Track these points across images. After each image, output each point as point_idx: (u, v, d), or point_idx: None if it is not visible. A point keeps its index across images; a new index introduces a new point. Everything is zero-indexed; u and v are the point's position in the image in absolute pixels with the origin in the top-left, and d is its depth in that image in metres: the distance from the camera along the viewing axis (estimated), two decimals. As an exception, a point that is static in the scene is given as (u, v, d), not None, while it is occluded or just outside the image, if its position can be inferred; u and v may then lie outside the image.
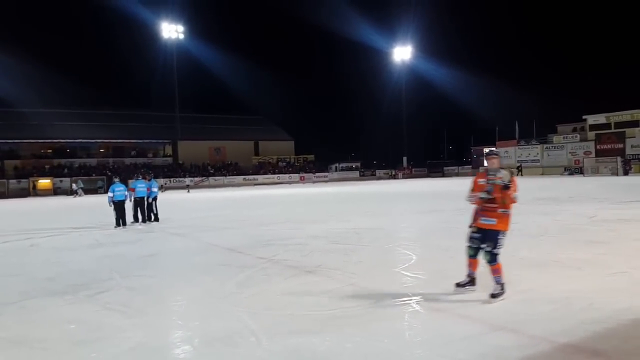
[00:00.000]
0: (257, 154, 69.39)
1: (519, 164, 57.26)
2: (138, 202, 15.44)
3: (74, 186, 46.59)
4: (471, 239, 5.58)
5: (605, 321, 4.46)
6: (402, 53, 68.92)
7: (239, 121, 72.38)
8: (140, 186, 15.36)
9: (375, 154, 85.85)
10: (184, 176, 57.22)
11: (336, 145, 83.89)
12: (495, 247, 5.31)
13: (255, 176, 61.37)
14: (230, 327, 4.71)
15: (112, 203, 14.56)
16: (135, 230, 13.92)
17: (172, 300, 6.05)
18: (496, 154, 5.60)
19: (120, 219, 14.56)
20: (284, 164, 68.02)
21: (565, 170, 54.33)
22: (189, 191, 45.57)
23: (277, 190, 40.94)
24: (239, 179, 59.74)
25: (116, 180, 15.40)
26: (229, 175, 60.29)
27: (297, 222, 14.33)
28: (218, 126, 68.98)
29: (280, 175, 63.02)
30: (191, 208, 22.97)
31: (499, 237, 5.32)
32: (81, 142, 59.64)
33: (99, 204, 25.80)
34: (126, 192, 14.95)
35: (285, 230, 12.27)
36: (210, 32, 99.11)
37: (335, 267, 7.38)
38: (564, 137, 57.93)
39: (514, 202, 5.32)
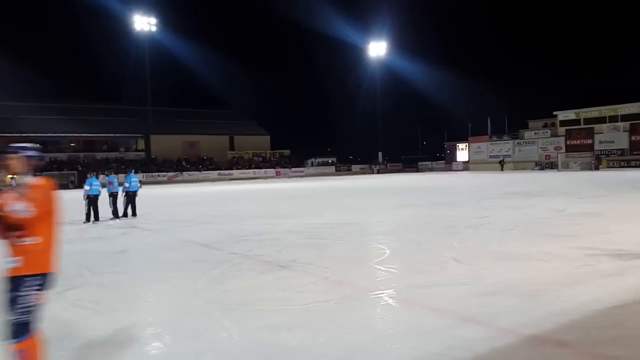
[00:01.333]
0: (232, 148, 68.84)
1: (501, 159, 58.18)
2: (130, 196, 15.64)
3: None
4: None
5: (570, 313, 4.58)
6: (377, 49, 69.18)
7: (213, 115, 71.63)
8: (134, 180, 15.94)
9: (351, 149, 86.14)
10: (158, 171, 56.45)
11: (312, 140, 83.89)
12: (18, 308, 3.07)
13: (231, 171, 60.83)
14: (201, 323, 4.68)
15: (86, 197, 14.32)
16: (107, 226, 13.71)
17: (142, 296, 5.98)
18: (15, 151, 3.32)
19: (92, 214, 14.32)
20: (260, 159, 67.69)
21: (536, 165, 55.50)
22: (140, 186, 43.72)
23: (252, 185, 40.75)
24: (214, 174, 59.17)
25: (93, 175, 15.23)
26: (204, 170, 59.71)
27: (272, 217, 14.30)
28: (192, 120, 68.12)
29: (256, 170, 62.63)
30: (165, 204, 22.70)
31: (23, 288, 3.09)
32: (51, 136, 58.17)
33: (70, 199, 25.30)
34: (101, 188, 14.80)
35: (260, 226, 12.23)
36: (184, 25, 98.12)
37: (309, 261, 7.40)
38: (535, 133, 59.08)
39: (16, 219, 3.05)
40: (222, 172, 60.07)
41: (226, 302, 5.34)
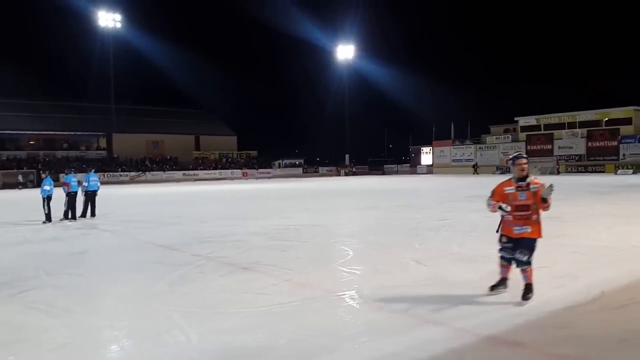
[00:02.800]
0: (198, 148, 67.89)
1: (475, 163, 59.11)
2: (90, 196, 15.11)
3: None
4: None
5: (526, 313, 4.72)
6: (345, 52, 69.56)
7: (179, 114, 70.48)
8: (93, 179, 15.38)
9: (319, 151, 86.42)
10: (121, 170, 55.22)
11: (280, 141, 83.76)
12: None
13: (196, 171, 60.02)
14: (160, 326, 4.60)
15: (47, 197, 13.87)
16: (65, 226, 13.32)
17: (100, 299, 5.84)
18: None
19: (51, 214, 13.90)
20: (227, 159, 67.01)
21: (497, 169, 56.80)
22: (22, 187, 41.91)
23: (218, 186, 40.34)
24: (179, 174, 58.23)
25: (49, 174, 14.84)
26: (168, 170, 58.71)
27: (237, 218, 14.19)
28: (157, 119, 66.81)
29: (222, 171, 61.92)
30: (126, 204, 22.23)
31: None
32: (10, 133, 56.27)
33: (28, 199, 24.52)
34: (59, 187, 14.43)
35: (224, 227, 12.12)
36: (150, 22, 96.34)
37: (272, 263, 7.38)
38: (496, 138, 60.59)
39: None
40: (186, 172, 59.21)
41: (186, 305, 5.27)
